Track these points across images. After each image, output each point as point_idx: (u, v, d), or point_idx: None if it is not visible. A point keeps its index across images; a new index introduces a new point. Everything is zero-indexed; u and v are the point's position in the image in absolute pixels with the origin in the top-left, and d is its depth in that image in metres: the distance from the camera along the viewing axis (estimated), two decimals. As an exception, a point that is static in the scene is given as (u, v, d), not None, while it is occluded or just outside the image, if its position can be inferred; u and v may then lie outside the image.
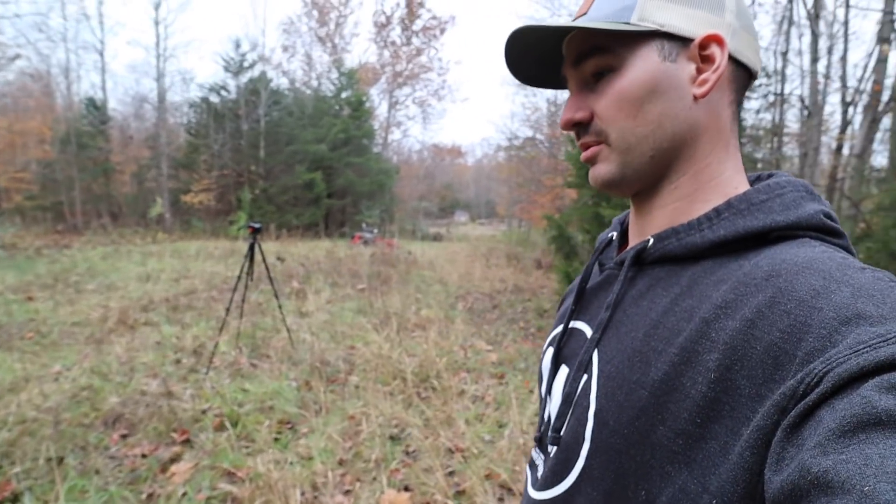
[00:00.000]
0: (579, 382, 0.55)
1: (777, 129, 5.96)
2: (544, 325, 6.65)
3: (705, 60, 0.52)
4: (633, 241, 0.60)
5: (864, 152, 6.63)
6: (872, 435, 0.31)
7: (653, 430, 0.44)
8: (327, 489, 2.62)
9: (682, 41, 0.51)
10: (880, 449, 0.30)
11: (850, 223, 5.25)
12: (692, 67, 0.52)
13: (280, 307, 5.27)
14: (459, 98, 47.27)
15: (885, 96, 6.42)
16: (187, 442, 3.11)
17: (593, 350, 0.55)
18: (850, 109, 7.72)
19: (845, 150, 7.51)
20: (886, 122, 6.82)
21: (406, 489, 2.67)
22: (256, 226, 4.79)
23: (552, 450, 0.57)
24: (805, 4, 7.38)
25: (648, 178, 0.55)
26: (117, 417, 3.33)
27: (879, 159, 8.13)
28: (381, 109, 29.29)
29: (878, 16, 6.23)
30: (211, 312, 6.50)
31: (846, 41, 7.91)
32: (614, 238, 0.66)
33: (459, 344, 5.42)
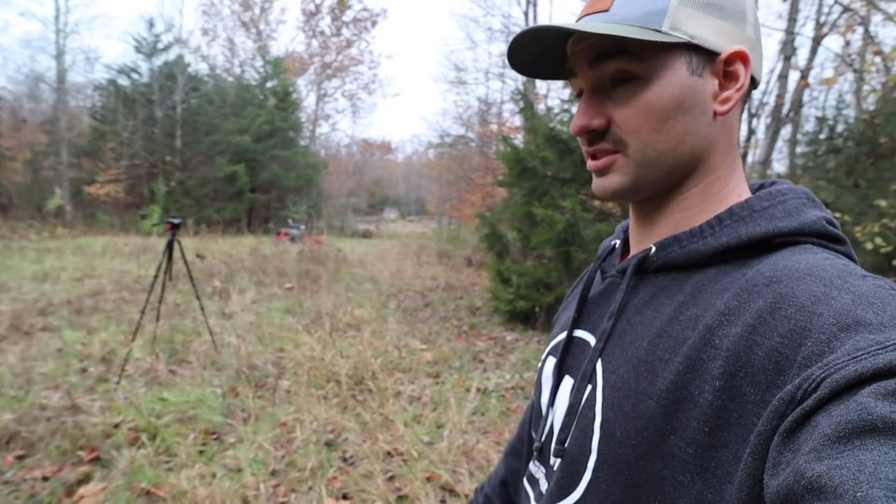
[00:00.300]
0: (583, 393, 0.54)
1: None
2: (477, 322, 6.71)
3: (728, 77, 0.51)
4: (635, 248, 0.60)
5: (767, 160, 7.26)
6: (867, 441, 0.31)
7: (663, 441, 0.44)
8: (259, 503, 2.46)
9: (709, 55, 0.50)
10: (874, 455, 0.30)
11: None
12: (715, 83, 0.51)
13: (202, 308, 4.93)
14: (390, 93, 46.98)
15: (786, 109, 7.05)
16: (97, 460, 2.82)
17: (597, 360, 0.54)
18: (754, 120, 8.42)
19: (750, 158, 8.17)
20: (786, 132, 7.49)
21: (345, 497, 2.57)
22: (175, 221, 4.45)
23: (556, 462, 0.56)
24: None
25: (659, 189, 0.54)
26: (12, 436, 2.96)
27: (777, 167, 8.92)
28: (309, 101, 28.42)
29: (781, 35, 6.83)
30: (122, 315, 5.99)
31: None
32: (617, 246, 0.65)
33: (394, 344, 5.34)
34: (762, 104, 7.99)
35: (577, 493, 0.51)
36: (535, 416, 0.71)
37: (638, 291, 0.55)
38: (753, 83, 0.54)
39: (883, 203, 4.09)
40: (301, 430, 3.15)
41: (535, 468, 0.63)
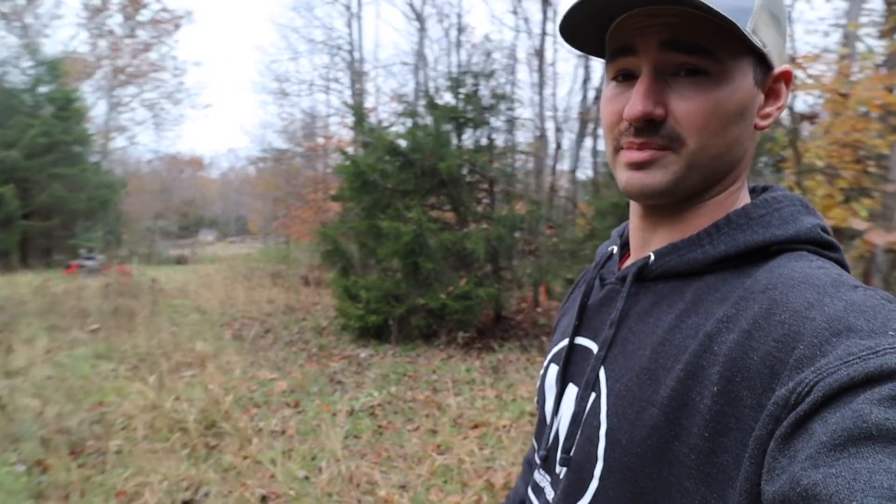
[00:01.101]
0: (587, 401, 0.54)
1: (511, 148, 7.08)
2: (326, 343, 6.45)
3: (771, 94, 0.52)
4: (635, 253, 0.60)
5: (574, 167, 8.35)
6: (863, 449, 0.31)
7: (667, 447, 0.44)
8: None
9: (766, 68, 0.50)
10: (869, 463, 0.30)
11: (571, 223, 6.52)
12: (762, 97, 0.51)
13: (-21, 368, 3.89)
14: (200, 104, 42.87)
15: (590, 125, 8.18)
16: None
17: (600, 368, 0.54)
18: (561, 133, 9.62)
19: (558, 166, 9.28)
20: (589, 142, 8.67)
21: (219, 562, 2.24)
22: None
23: (561, 471, 0.55)
24: (534, 43, 8.85)
25: (690, 194, 0.52)
26: None
27: (582, 175, 10.29)
28: (100, 111, 24.51)
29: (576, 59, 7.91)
30: None
31: (555, 78, 9.84)
32: (615, 252, 0.65)
33: (241, 377, 4.85)
34: (567, 119, 9.19)
35: (584, 501, 0.51)
36: (538, 425, 0.70)
37: (639, 299, 0.55)
38: None
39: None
40: (150, 495, 2.66)
41: (540, 477, 0.62)
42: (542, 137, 7.52)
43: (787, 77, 0.52)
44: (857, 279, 0.44)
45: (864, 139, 4.11)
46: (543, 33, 8.31)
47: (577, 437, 0.54)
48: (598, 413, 0.52)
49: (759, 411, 0.38)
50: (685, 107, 0.48)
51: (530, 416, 3.86)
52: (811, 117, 3.86)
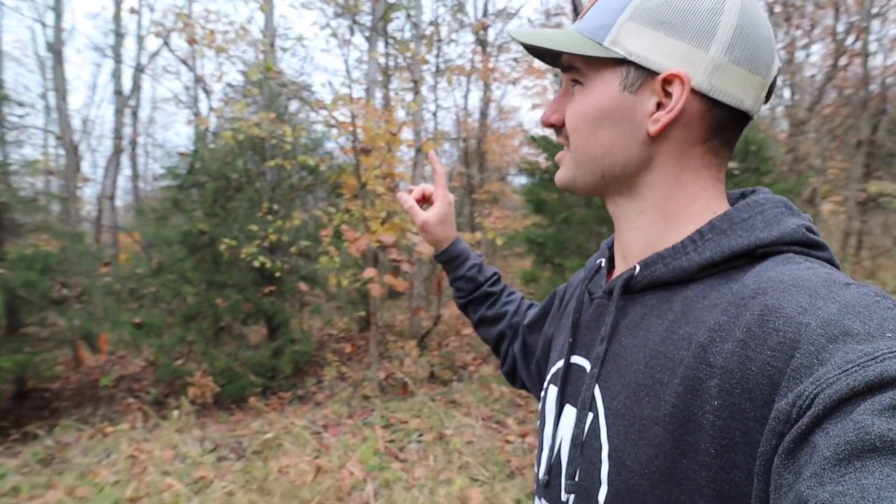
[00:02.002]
0: (585, 422, 0.53)
1: (31, 164, 5.40)
2: None
3: (668, 97, 0.50)
4: (619, 263, 0.60)
5: (112, 194, 7.02)
6: (868, 463, 0.31)
7: (675, 466, 0.43)
8: None
9: (651, 72, 0.50)
10: (876, 478, 0.30)
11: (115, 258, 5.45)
12: (653, 102, 0.50)
13: None
14: None
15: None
16: None
17: (594, 386, 0.53)
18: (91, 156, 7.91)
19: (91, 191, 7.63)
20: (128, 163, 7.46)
21: None
22: None
23: (569, 498, 0.54)
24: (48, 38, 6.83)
25: (603, 192, 0.58)
26: None
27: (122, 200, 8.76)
28: None
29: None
30: None
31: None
32: (603, 264, 0.64)
33: None
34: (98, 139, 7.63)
35: None
36: (539, 447, 0.66)
37: (627, 312, 0.54)
38: (737, 112, 0.51)
39: (255, 227, 4.93)
40: None
41: None
42: (71, 154, 5.94)
43: (678, 78, 0.49)
44: (847, 276, 0.44)
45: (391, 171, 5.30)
46: (59, 28, 6.58)
47: (580, 460, 0.52)
48: (598, 434, 0.51)
49: (763, 423, 0.38)
50: (567, 113, 0.56)
51: (128, 501, 3.04)
52: (365, 150, 4.65)
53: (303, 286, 5.62)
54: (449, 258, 0.97)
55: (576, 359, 0.61)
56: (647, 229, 0.54)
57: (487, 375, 5.12)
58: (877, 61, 7.29)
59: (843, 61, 6.62)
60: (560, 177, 0.59)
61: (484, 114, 10.93)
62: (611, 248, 0.65)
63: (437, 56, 9.78)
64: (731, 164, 3.63)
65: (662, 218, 0.54)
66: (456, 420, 3.89)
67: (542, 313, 0.86)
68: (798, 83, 7.44)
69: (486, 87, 10.25)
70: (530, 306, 0.95)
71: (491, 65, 9.58)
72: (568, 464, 0.54)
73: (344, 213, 4.67)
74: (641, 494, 0.45)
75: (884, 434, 0.31)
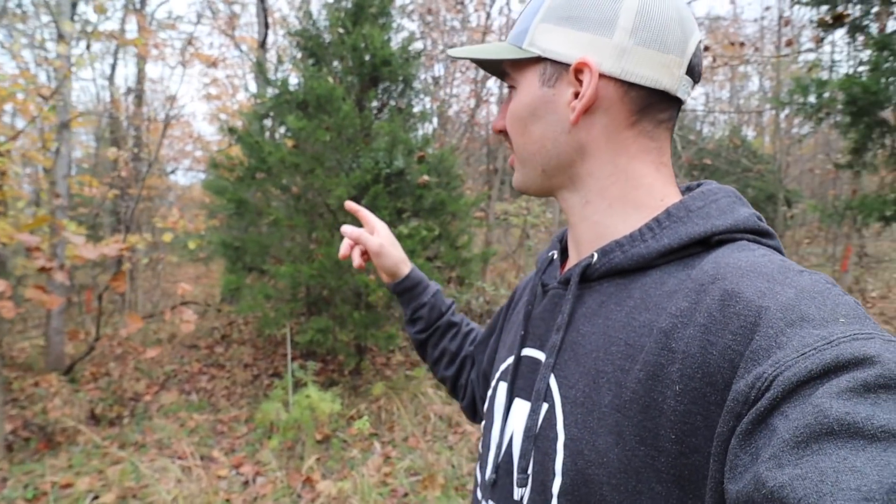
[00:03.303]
0: (539, 413, 0.52)
1: None
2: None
3: (582, 86, 0.52)
4: (572, 254, 0.60)
5: None
6: (825, 446, 0.31)
7: (633, 454, 0.43)
8: None
9: (564, 65, 0.52)
10: (834, 461, 0.30)
11: None
12: (570, 92, 0.53)
13: None
14: None
15: None
16: None
17: (549, 376, 0.52)
18: None
19: None
20: None
21: None
22: None
23: (523, 494, 0.52)
24: None
25: (550, 188, 0.58)
26: None
27: None
28: None
29: None
30: None
31: None
32: (555, 256, 0.64)
33: None
34: None
35: None
36: (482, 451, 0.63)
37: (584, 301, 0.54)
38: (657, 92, 0.52)
39: None
40: None
41: None
42: None
43: (584, 66, 0.51)
44: (798, 264, 0.46)
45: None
46: None
47: (533, 452, 0.51)
48: (554, 424, 0.50)
49: (723, 407, 0.38)
50: (507, 117, 0.59)
51: None
52: None
53: None
54: (411, 284, 0.87)
55: (528, 351, 0.59)
56: (596, 218, 0.55)
57: (171, 404, 4.31)
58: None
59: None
60: (515, 180, 0.60)
61: (139, 95, 9.22)
62: (561, 240, 0.66)
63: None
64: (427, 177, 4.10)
65: (608, 206, 0.54)
66: (147, 465, 3.12)
67: (490, 330, 0.82)
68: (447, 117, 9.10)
69: (141, 61, 8.67)
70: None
71: (155, 40, 8.17)
72: (520, 457, 0.52)
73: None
74: (597, 484, 0.44)
75: (841, 417, 0.31)
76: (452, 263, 4.28)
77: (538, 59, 0.54)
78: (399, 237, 4.16)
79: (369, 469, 3.12)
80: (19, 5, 7.02)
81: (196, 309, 6.50)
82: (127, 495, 2.87)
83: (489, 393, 0.65)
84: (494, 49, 0.57)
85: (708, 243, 0.49)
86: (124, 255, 4.21)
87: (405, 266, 0.87)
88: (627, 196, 0.54)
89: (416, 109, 4.67)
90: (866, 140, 4.36)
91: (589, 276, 0.54)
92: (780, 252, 0.51)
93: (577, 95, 0.52)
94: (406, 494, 2.93)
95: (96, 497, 2.87)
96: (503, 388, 0.61)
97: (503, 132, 0.60)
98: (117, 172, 7.38)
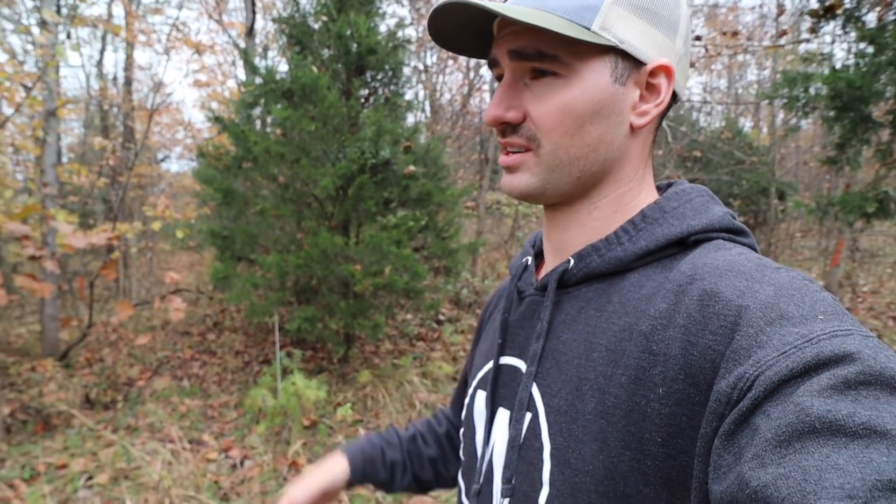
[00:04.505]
0: (523, 423, 0.51)
1: None
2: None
3: (650, 89, 0.49)
4: (550, 260, 0.58)
5: None
6: (808, 444, 0.31)
7: (619, 460, 0.43)
8: None
9: (635, 63, 0.48)
10: (817, 460, 0.30)
11: None
12: (636, 94, 0.49)
13: None
14: None
15: None
16: None
17: (531, 385, 0.52)
18: None
19: None
20: None
21: None
22: None
23: (504, 503, 0.52)
24: None
25: (569, 195, 0.53)
26: None
27: None
28: None
29: None
30: None
31: None
32: (530, 262, 0.61)
33: None
34: None
35: None
36: (466, 459, 0.63)
37: (563, 307, 0.52)
38: (676, 99, 0.52)
39: None
40: None
41: None
42: None
43: (666, 71, 0.48)
44: (774, 262, 0.46)
45: None
46: None
47: (517, 463, 0.51)
48: (539, 434, 0.49)
49: (707, 407, 0.38)
50: (539, 108, 0.49)
51: None
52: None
53: None
54: (361, 476, 0.76)
55: (506, 359, 0.58)
56: (594, 224, 0.53)
57: (164, 389, 4.39)
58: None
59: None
60: (522, 184, 0.51)
61: (128, 81, 9.16)
62: (534, 245, 0.63)
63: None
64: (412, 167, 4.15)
65: (613, 212, 0.52)
66: (138, 448, 3.21)
67: (464, 377, 0.78)
68: (439, 105, 9.06)
69: (129, 47, 8.60)
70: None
71: (142, 26, 8.11)
72: (504, 468, 0.51)
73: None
74: (585, 493, 0.44)
75: (823, 415, 0.31)
76: (439, 254, 4.34)
77: (611, 50, 0.47)
78: (385, 227, 4.23)
79: (354, 453, 3.21)
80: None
81: (188, 296, 6.57)
82: (119, 476, 2.97)
83: (466, 401, 0.64)
84: (553, 21, 0.45)
85: (685, 244, 0.49)
86: (114, 243, 4.26)
87: (340, 471, 0.74)
88: (632, 203, 0.53)
89: (406, 98, 4.68)
90: (851, 136, 4.37)
91: (566, 282, 0.52)
92: (754, 250, 0.50)
93: (642, 99, 0.49)
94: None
95: (90, 478, 2.97)
96: (482, 396, 0.60)
97: (510, 124, 0.50)
98: (105, 160, 7.38)
